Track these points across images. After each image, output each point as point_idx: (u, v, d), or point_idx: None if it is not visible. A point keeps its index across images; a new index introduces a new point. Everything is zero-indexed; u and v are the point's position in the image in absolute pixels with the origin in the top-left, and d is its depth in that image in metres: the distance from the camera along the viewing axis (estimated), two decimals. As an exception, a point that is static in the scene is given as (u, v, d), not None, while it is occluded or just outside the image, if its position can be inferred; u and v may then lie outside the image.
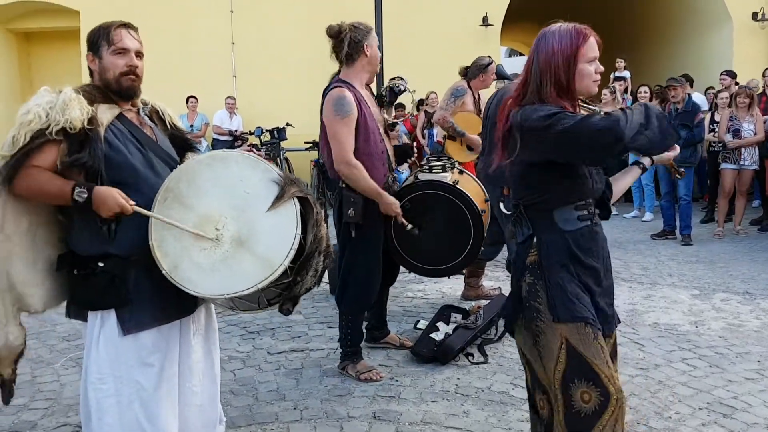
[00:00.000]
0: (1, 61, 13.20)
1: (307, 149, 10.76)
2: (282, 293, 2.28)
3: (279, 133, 11.19)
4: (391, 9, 9.77)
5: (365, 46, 3.56)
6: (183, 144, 2.57)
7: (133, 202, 2.15)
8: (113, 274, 2.20)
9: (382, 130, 3.69)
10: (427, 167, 3.97)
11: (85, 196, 2.11)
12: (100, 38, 2.28)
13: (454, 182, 3.83)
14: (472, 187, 4.02)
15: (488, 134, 4.67)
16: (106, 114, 2.22)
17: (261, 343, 4.34)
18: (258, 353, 4.16)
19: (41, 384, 3.71)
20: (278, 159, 10.96)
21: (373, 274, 3.72)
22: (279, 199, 2.20)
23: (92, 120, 2.15)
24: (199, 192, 2.23)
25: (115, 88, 2.30)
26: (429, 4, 11.94)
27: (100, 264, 2.20)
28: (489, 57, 5.72)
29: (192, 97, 11.38)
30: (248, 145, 11.35)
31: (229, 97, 11.70)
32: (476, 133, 5.27)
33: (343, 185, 3.57)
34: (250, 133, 11.44)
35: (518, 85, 2.15)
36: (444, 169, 3.96)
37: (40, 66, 13.88)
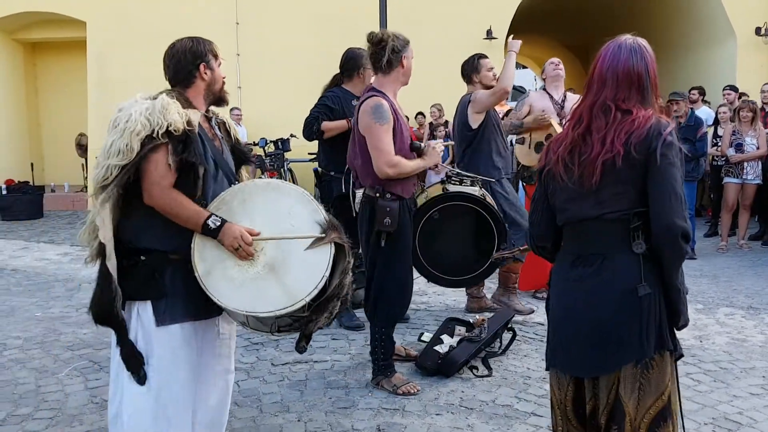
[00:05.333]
0: (7, 71, 13.30)
1: (310, 160, 10.77)
2: (293, 324, 2.39)
3: (283, 144, 11.24)
4: (395, 22, 9.81)
5: (403, 57, 3.56)
6: (241, 157, 2.74)
7: (258, 232, 2.32)
8: (153, 267, 2.33)
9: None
10: (456, 179, 3.99)
11: (219, 224, 2.29)
12: (208, 52, 2.51)
13: (482, 195, 3.90)
14: (495, 202, 4.22)
15: (457, 138, 5.05)
16: (195, 117, 2.37)
17: (265, 355, 4.33)
18: (262, 365, 4.16)
19: (46, 394, 3.72)
20: (282, 170, 11.00)
21: (407, 284, 3.68)
22: (319, 240, 2.32)
23: (189, 122, 2.30)
24: (249, 212, 2.37)
25: (218, 96, 2.59)
26: (433, 18, 11.98)
27: (143, 258, 2.32)
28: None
29: (197, 107, 11.44)
30: (253, 156, 11.42)
31: (234, 108, 11.75)
32: (546, 133, 5.17)
33: (377, 195, 3.50)
34: (255, 144, 11.48)
35: (636, 98, 2.07)
36: (472, 183, 4.01)
37: (46, 76, 13.98)
